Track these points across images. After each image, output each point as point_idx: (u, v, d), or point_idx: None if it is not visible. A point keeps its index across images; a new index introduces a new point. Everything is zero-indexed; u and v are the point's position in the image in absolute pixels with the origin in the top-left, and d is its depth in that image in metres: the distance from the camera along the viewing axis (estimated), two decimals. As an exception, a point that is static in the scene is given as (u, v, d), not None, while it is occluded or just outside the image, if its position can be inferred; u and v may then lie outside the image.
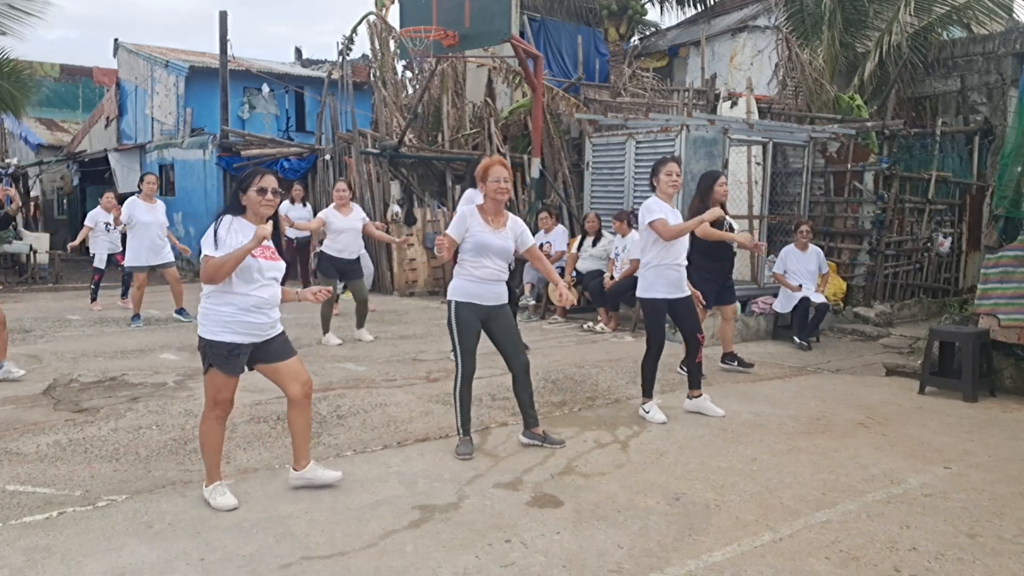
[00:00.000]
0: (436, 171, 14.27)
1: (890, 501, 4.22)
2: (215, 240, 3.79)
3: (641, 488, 4.34)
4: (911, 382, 7.02)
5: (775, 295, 9.43)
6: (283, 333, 4.11)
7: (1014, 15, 13.33)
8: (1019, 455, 5.07)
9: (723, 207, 6.95)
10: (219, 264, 3.76)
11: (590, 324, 9.67)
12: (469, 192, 7.25)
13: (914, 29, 12.55)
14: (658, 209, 5.60)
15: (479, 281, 4.77)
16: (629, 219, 9.42)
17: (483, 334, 4.89)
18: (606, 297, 9.63)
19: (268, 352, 4.01)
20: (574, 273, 10.17)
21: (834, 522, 3.93)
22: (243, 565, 3.37)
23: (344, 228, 8.29)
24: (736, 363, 7.43)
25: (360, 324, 8.68)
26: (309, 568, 3.36)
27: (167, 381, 6.61)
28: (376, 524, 3.81)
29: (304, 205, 12.57)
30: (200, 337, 3.93)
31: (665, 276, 5.65)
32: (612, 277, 9.66)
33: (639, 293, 5.81)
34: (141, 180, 9.92)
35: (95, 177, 20.75)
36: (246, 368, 4.00)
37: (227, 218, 3.91)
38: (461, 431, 4.88)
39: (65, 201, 24.03)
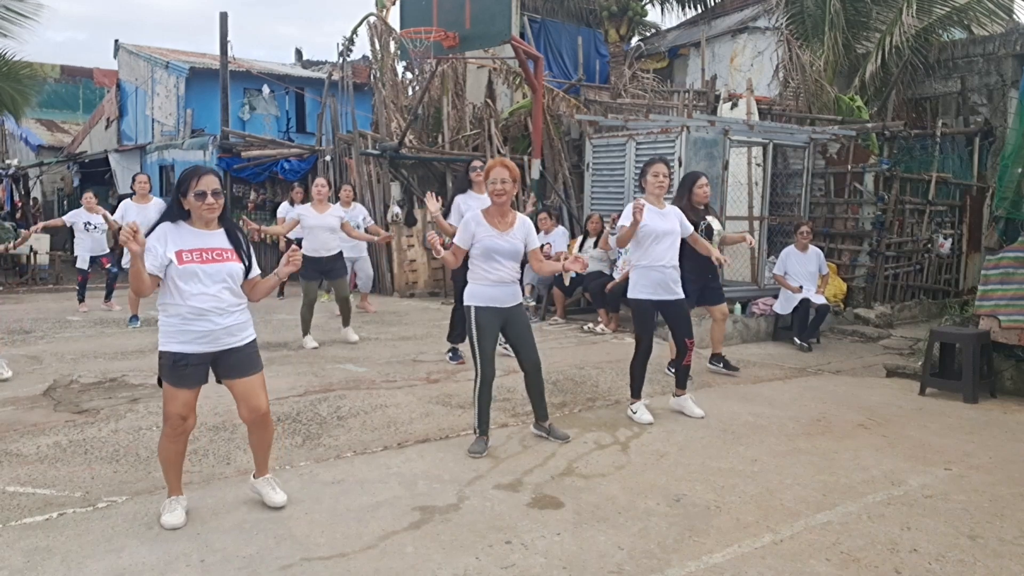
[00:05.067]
0: (436, 172, 14.27)
1: (891, 502, 4.21)
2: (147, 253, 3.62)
3: (641, 489, 4.33)
4: (911, 383, 7.02)
5: (775, 296, 9.43)
6: (249, 345, 3.85)
7: (1014, 16, 13.32)
8: (1020, 456, 5.07)
9: (707, 208, 7.03)
10: (131, 277, 3.62)
11: (590, 325, 9.66)
12: (458, 199, 7.23)
13: (915, 30, 12.55)
14: (626, 215, 5.61)
15: (494, 284, 4.84)
16: None
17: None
18: (607, 298, 9.63)
19: (227, 366, 3.80)
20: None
21: (835, 523, 3.93)
22: (243, 566, 3.37)
23: (316, 225, 8.21)
24: (722, 365, 7.43)
25: (345, 323, 8.62)
26: (309, 569, 3.36)
27: (167, 382, 6.60)
28: (376, 525, 3.80)
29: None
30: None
31: (648, 276, 5.68)
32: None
33: (628, 293, 5.89)
34: (133, 181, 9.91)
35: (95, 178, 20.75)
36: (210, 380, 3.81)
37: (161, 227, 3.72)
38: (476, 430, 4.98)
39: (66, 202, 24.01)
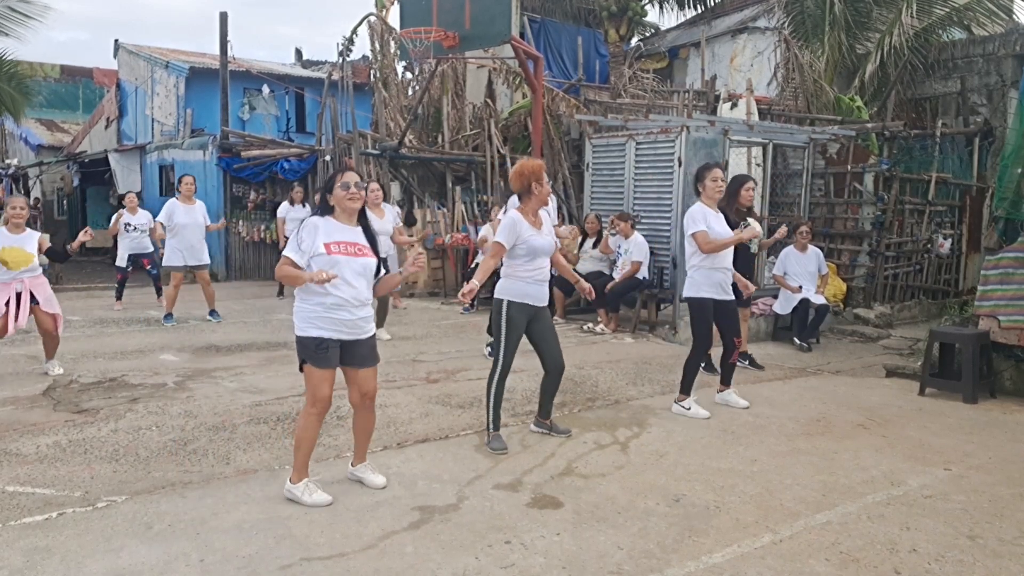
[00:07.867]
0: (436, 172, 14.27)
1: (890, 503, 4.22)
2: (298, 244, 3.98)
3: (641, 489, 4.34)
4: (911, 384, 7.02)
5: (775, 296, 9.42)
6: (372, 337, 4.17)
7: (1014, 16, 13.32)
8: (1019, 457, 5.07)
9: (749, 211, 6.96)
10: (284, 273, 4.00)
11: (590, 325, 9.66)
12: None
13: (914, 30, 12.55)
14: (701, 219, 5.82)
15: (533, 283, 4.94)
16: (633, 220, 9.47)
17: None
18: (606, 298, 9.63)
19: (354, 355, 4.11)
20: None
21: (834, 523, 3.93)
22: (243, 566, 3.37)
23: (377, 231, 8.26)
24: (748, 362, 7.57)
25: (380, 324, 8.69)
26: (309, 569, 3.36)
27: (167, 382, 6.61)
28: (376, 525, 3.80)
29: (304, 206, 12.56)
30: (295, 335, 4.07)
31: (712, 278, 5.86)
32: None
33: (687, 293, 6.01)
34: (179, 182, 9.99)
35: (95, 178, 20.74)
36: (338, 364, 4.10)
37: (313, 220, 4.05)
38: (492, 427, 5.03)
39: (65, 202, 24.02)
